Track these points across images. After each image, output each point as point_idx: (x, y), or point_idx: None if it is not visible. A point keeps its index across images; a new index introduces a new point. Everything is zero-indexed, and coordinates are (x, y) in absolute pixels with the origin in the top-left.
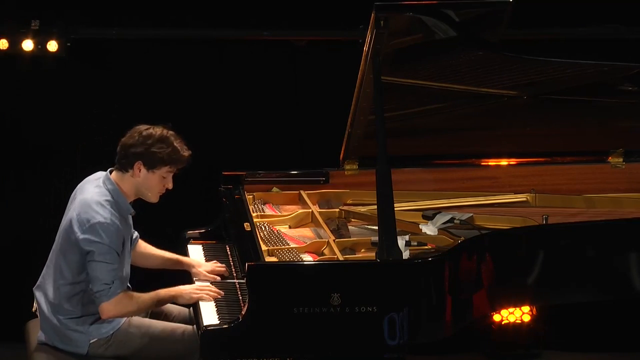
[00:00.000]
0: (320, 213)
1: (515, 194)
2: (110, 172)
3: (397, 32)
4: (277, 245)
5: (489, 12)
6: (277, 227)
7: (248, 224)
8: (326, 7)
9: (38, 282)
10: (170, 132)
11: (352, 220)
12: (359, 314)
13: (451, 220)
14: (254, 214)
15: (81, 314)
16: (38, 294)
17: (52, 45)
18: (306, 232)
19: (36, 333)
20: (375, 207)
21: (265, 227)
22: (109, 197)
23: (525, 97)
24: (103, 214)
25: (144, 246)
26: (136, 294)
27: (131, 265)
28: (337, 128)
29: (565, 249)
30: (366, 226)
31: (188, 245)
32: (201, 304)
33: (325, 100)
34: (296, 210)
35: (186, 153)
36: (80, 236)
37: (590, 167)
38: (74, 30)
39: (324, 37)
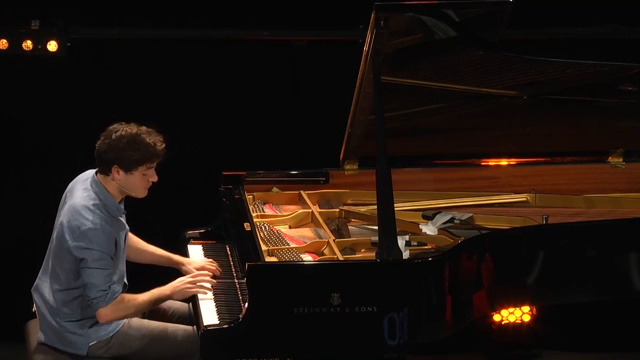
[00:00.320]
0: (320, 213)
1: (515, 194)
2: (97, 173)
3: (397, 32)
4: (277, 245)
5: (489, 12)
6: (277, 227)
7: (248, 224)
8: (326, 7)
9: (35, 284)
10: (142, 128)
11: (352, 220)
12: (359, 314)
13: (451, 220)
14: (254, 214)
15: (80, 317)
16: (36, 296)
17: (52, 45)
18: (306, 232)
19: (36, 333)
20: (375, 207)
21: (265, 227)
22: (96, 201)
23: (525, 97)
24: (92, 220)
25: (135, 240)
26: (132, 296)
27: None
28: (337, 128)
29: (565, 249)
30: (366, 226)
31: (188, 245)
32: (201, 303)
33: (325, 100)
34: (296, 210)
35: (160, 146)
36: (72, 244)
37: (590, 167)
38: (74, 30)
39: (324, 37)
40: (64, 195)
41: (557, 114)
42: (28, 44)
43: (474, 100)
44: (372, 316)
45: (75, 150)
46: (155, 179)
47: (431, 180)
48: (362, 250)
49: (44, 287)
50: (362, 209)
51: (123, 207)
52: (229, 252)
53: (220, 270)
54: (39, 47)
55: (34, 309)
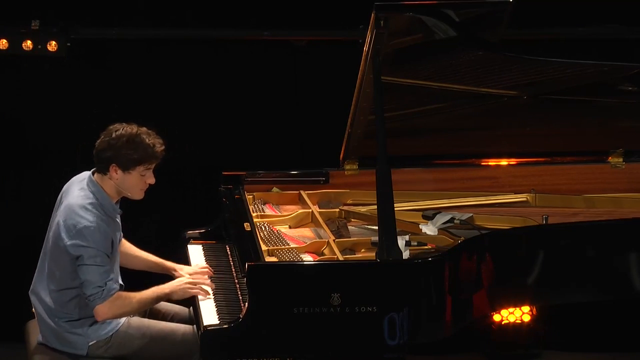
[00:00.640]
0: (320, 213)
1: (515, 194)
2: (93, 173)
3: (397, 32)
4: (277, 245)
5: (489, 12)
6: (277, 227)
7: (248, 224)
8: (326, 7)
9: (32, 286)
10: (142, 129)
11: (352, 220)
12: (359, 314)
13: (451, 220)
14: (254, 214)
15: (79, 317)
16: (33, 298)
17: (52, 45)
18: (306, 232)
19: (36, 334)
20: (375, 207)
21: (265, 227)
22: (92, 200)
23: (525, 97)
24: (88, 218)
25: (127, 246)
26: (130, 294)
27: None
28: (337, 128)
29: (565, 249)
30: (366, 226)
31: (188, 245)
32: (201, 303)
33: (325, 100)
34: (296, 210)
35: (159, 148)
36: (68, 242)
37: (590, 167)
38: (74, 30)
39: (324, 37)
40: (59, 197)
41: (557, 114)
42: (28, 44)
43: (474, 100)
44: (372, 316)
45: (75, 150)
46: (152, 181)
47: (431, 180)
48: (362, 250)
49: (41, 289)
50: (362, 209)
51: (119, 208)
52: (229, 252)
53: (212, 272)
54: (39, 47)
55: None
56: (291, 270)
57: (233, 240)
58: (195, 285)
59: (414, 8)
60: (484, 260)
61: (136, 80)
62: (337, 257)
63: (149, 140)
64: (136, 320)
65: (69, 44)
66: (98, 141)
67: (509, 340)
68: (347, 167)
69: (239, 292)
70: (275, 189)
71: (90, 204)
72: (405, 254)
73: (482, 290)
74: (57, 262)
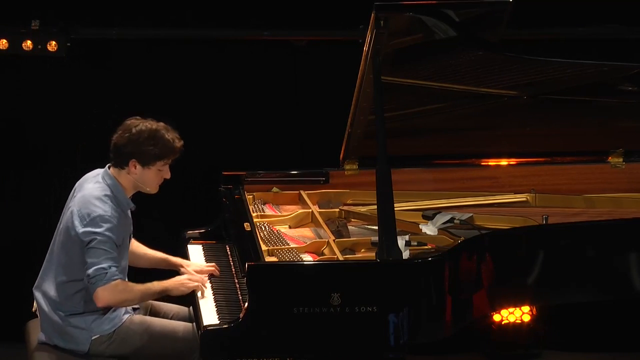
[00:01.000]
0: (320, 213)
1: (515, 194)
2: (109, 167)
3: (397, 32)
4: (277, 245)
5: (489, 12)
6: (277, 227)
7: (248, 224)
8: (326, 7)
9: (37, 282)
10: (160, 124)
11: (352, 220)
12: (359, 314)
13: (451, 220)
14: (254, 214)
15: (83, 310)
16: (37, 294)
17: (52, 45)
18: (306, 232)
19: (36, 333)
20: (375, 207)
21: (265, 227)
22: (108, 192)
23: (525, 97)
24: (104, 208)
25: (136, 245)
26: (131, 284)
27: None
28: (337, 128)
29: (565, 249)
30: (366, 226)
31: (188, 245)
32: (201, 303)
33: (325, 100)
34: (296, 210)
35: (178, 143)
36: (81, 229)
37: (590, 167)
38: (74, 30)
39: (324, 37)
40: (71, 193)
41: (557, 114)
42: (28, 44)
43: (474, 100)
44: (372, 316)
45: (75, 150)
46: (168, 175)
47: (431, 180)
48: (362, 250)
49: (47, 283)
50: (362, 209)
51: (132, 203)
52: (229, 252)
53: (219, 270)
54: (39, 47)
55: (34, 308)
56: (291, 270)
57: (233, 240)
58: (194, 281)
59: (414, 8)
60: (484, 260)
61: (136, 81)
62: (337, 257)
63: (169, 136)
64: (138, 317)
65: (69, 44)
66: (115, 136)
67: (509, 340)
68: (347, 167)
69: (239, 292)
70: (275, 189)
71: (106, 195)
72: (405, 254)
73: (482, 290)
74: (67, 253)
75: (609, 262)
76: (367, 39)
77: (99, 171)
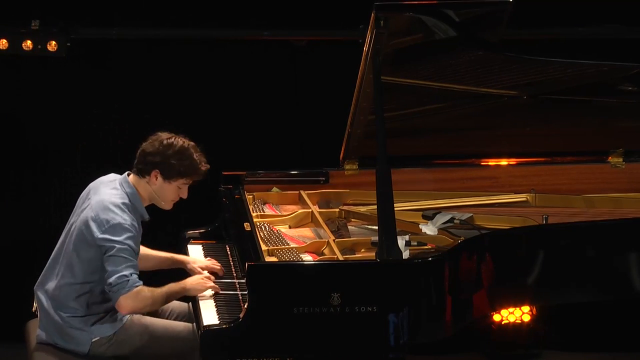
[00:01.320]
0: (320, 213)
1: (515, 194)
2: (128, 175)
3: (397, 32)
4: (277, 245)
5: (489, 12)
6: (277, 227)
7: (248, 224)
8: (326, 7)
9: (39, 280)
10: (191, 143)
11: (352, 220)
12: (359, 314)
13: (451, 220)
14: (254, 214)
15: (85, 313)
16: (40, 292)
17: (52, 45)
18: (306, 232)
19: (36, 333)
20: (375, 207)
21: (265, 227)
22: (126, 200)
23: (525, 97)
24: (123, 216)
25: (142, 248)
26: (152, 289)
27: None
28: (337, 128)
29: (565, 249)
30: (366, 226)
31: (188, 245)
32: (201, 303)
33: (325, 100)
34: (296, 210)
35: (204, 167)
36: (100, 235)
37: (590, 167)
38: (74, 30)
39: (324, 37)
40: (83, 195)
41: (557, 114)
42: (28, 44)
43: (474, 100)
44: (372, 316)
45: (75, 150)
46: (185, 195)
47: (431, 180)
48: (362, 250)
49: (50, 282)
50: (362, 209)
51: (147, 213)
52: (229, 252)
53: (223, 271)
54: (39, 47)
55: (34, 308)
56: (291, 270)
57: (233, 240)
58: (211, 280)
59: (414, 8)
60: (484, 260)
61: (136, 80)
62: (337, 257)
63: (197, 157)
64: (137, 318)
65: (69, 44)
66: (145, 144)
67: (509, 340)
68: (347, 167)
69: (239, 292)
70: (275, 189)
71: (124, 204)
72: (405, 254)
73: (482, 290)
74: (80, 256)
75: (609, 262)
76: (367, 39)
77: (115, 176)
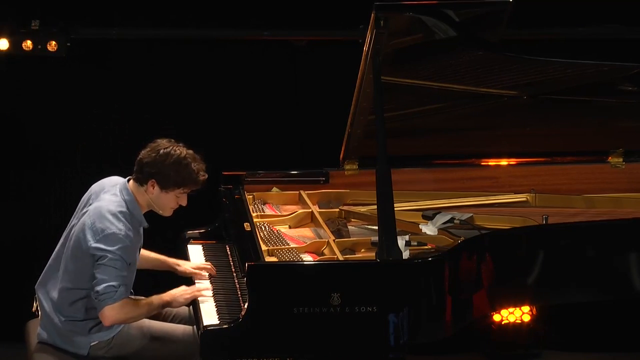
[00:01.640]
0: (320, 213)
1: (515, 194)
2: (128, 181)
3: (397, 32)
4: (277, 245)
5: (489, 12)
6: (277, 227)
7: (248, 224)
8: (326, 7)
9: (40, 280)
10: (190, 152)
11: (352, 220)
12: (359, 314)
13: (451, 220)
14: (254, 214)
15: (83, 318)
16: (40, 292)
17: (52, 45)
18: (306, 232)
19: (36, 333)
20: (375, 207)
21: (265, 227)
22: (124, 208)
23: (525, 97)
24: (118, 226)
25: None
26: (137, 301)
27: None
28: (337, 128)
29: (565, 249)
30: (366, 226)
31: (188, 245)
32: (201, 303)
33: (325, 100)
34: (296, 210)
35: (202, 177)
36: (93, 244)
37: (590, 167)
38: (74, 30)
39: (324, 37)
40: (85, 197)
41: (557, 114)
42: (28, 44)
43: (474, 101)
44: (372, 316)
45: (75, 150)
46: (185, 203)
47: (431, 180)
48: (362, 250)
49: (51, 284)
50: (362, 209)
51: (145, 221)
52: (229, 252)
53: (215, 270)
54: (39, 47)
55: (34, 308)
56: (291, 270)
57: (233, 240)
58: (194, 293)
59: (414, 8)
60: (484, 260)
61: (136, 81)
62: (337, 257)
63: (194, 166)
64: (137, 321)
65: (69, 44)
66: (143, 152)
67: (509, 340)
68: (347, 167)
69: (239, 292)
70: (275, 189)
71: (121, 212)
72: (405, 254)
73: (482, 290)
74: (76, 262)
75: (609, 262)
76: (367, 39)
77: (117, 180)
